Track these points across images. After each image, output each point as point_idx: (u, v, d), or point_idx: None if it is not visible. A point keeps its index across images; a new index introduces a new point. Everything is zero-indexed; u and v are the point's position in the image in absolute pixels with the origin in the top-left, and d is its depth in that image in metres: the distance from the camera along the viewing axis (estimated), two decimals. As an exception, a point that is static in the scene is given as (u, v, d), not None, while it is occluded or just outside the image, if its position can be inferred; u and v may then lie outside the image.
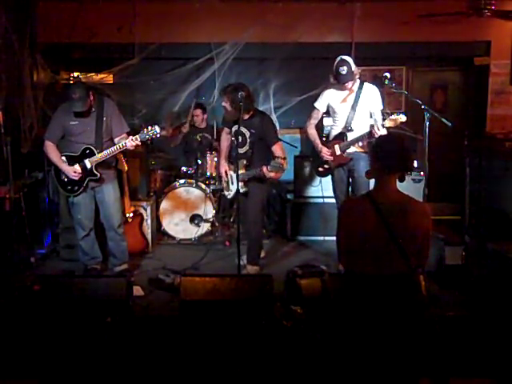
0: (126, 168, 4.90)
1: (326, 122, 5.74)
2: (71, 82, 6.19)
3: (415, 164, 5.49)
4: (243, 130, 4.43)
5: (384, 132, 4.22)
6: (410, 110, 6.66)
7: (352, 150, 4.52)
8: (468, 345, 3.14)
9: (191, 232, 5.67)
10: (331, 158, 4.55)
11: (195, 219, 5.71)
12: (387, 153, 2.66)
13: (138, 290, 4.10)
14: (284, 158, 4.24)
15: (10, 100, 5.34)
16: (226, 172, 4.74)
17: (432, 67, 7.04)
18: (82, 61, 6.36)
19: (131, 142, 4.11)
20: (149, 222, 5.35)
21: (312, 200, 5.74)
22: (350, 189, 4.64)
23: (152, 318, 3.65)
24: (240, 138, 4.44)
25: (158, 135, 4.15)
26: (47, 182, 5.33)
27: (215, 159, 5.83)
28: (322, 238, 5.49)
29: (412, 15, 6.21)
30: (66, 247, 5.00)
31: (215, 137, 6.17)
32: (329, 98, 4.58)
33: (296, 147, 6.20)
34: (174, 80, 6.33)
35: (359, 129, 4.48)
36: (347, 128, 4.49)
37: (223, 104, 4.47)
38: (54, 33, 5.93)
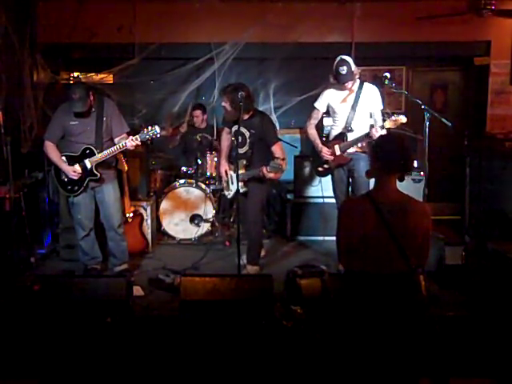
0: (126, 168, 4.90)
1: (326, 122, 5.74)
2: (71, 82, 6.19)
3: (415, 164, 5.49)
4: (243, 130, 4.43)
5: (382, 133, 4.22)
6: (410, 110, 6.67)
7: (352, 150, 4.52)
8: (468, 345, 3.14)
9: (191, 232, 5.67)
10: (331, 157, 4.55)
11: (195, 219, 5.71)
12: (387, 153, 2.66)
13: (137, 290, 4.10)
14: (283, 159, 4.24)
15: (10, 100, 5.33)
16: (226, 172, 4.74)
17: (432, 67, 7.04)
18: (82, 61, 6.35)
19: (131, 142, 4.11)
20: (149, 222, 5.35)
21: (312, 200, 5.74)
22: (350, 189, 4.64)
23: (152, 317, 3.65)
24: (240, 138, 4.44)
25: (158, 135, 4.15)
26: (47, 182, 5.33)
27: (215, 159, 5.83)
28: (321, 238, 5.49)
29: (412, 15, 6.21)
30: (66, 247, 5.00)
31: (215, 137, 6.18)
32: (329, 97, 4.58)
33: (296, 147, 6.20)
34: (174, 80, 6.33)
35: (359, 129, 4.48)
36: (347, 128, 4.50)
37: (223, 104, 4.47)
38: (54, 33, 5.94)
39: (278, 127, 6.33)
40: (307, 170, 5.77)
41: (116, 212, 4.43)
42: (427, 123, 4.14)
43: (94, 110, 4.23)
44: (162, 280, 4.30)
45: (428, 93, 7.04)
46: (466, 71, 6.96)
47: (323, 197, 5.37)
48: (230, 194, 4.77)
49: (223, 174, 4.79)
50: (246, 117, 4.41)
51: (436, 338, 2.61)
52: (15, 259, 4.55)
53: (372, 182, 2.86)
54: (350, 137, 4.49)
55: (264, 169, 4.25)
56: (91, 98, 4.16)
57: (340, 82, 4.39)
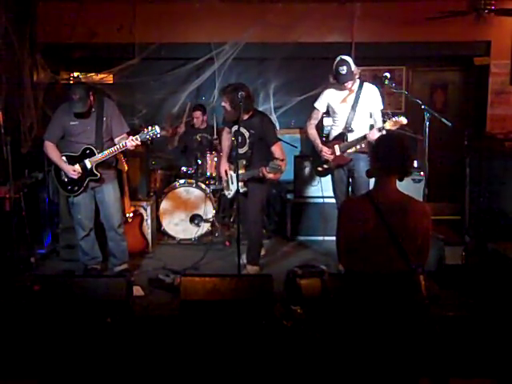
0: (126, 168, 4.90)
1: (326, 122, 5.74)
2: (71, 82, 6.19)
3: (415, 164, 5.49)
4: (243, 130, 4.43)
5: (379, 135, 4.22)
6: (410, 110, 6.68)
7: (352, 150, 4.52)
8: (468, 345, 3.14)
9: (191, 232, 5.67)
10: (332, 157, 4.55)
11: (195, 219, 5.71)
12: (387, 153, 2.66)
13: (138, 290, 4.10)
14: (282, 160, 4.24)
15: (10, 100, 5.33)
16: (226, 171, 4.74)
17: (432, 67, 7.05)
18: (82, 61, 6.36)
19: (131, 142, 4.11)
20: (149, 222, 5.35)
21: (312, 200, 5.74)
22: (350, 189, 4.64)
23: (152, 317, 3.65)
24: (239, 138, 4.44)
25: (158, 135, 4.15)
26: (47, 182, 5.33)
27: (215, 159, 5.83)
28: (321, 238, 5.49)
29: (412, 15, 6.21)
30: (66, 247, 5.00)
31: (215, 136, 6.17)
32: (329, 97, 4.58)
33: (296, 147, 6.20)
34: (174, 80, 6.33)
35: (360, 129, 4.48)
36: (347, 129, 4.49)
37: (223, 104, 4.47)
38: (54, 33, 5.94)
39: (277, 127, 6.34)
40: (307, 170, 5.77)
41: (116, 212, 4.43)
42: (427, 123, 4.14)
43: (94, 110, 4.23)
44: (162, 280, 4.30)
45: (428, 93, 7.05)
46: (466, 71, 6.96)
47: (323, 197, 5.37)
48: (230, 193, 4.78)
49: (223, 174, 4.79)
50: (245, 117, 4.41)
51: (436, 337, 2.61)
52: (15, 259, 4.55)
53: (372, 181, 2.86)
54: (351, 137, 4.49)
55: (263, 169, 4.25)
56: (91, 98, 4.16)
57: (340, 82, 4.39)
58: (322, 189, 5.31)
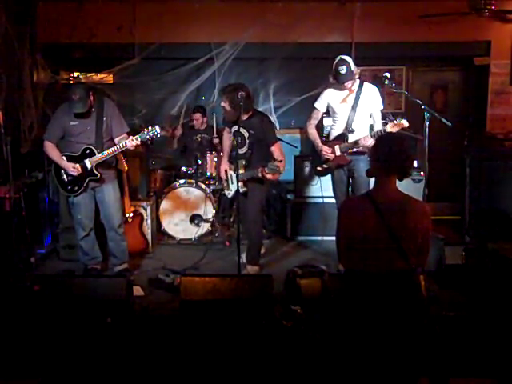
0: (126, 168, 4.90)
1: (326, 122, 5.73)
2: (71, 82, 6.19)
3: (415, 164, 5.49)
4: (242, 130, 4.43)
5: (372, 142, 4.27)
6: (410, 110, 6.68)
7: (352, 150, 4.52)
8: (468, 345, 3.14)
9: (191, 232, 5.67)
10: (332, 155, 4.55)
11: (195, 219, 5.71)
12: (387, 153, 2.66)
13: (138, 290, 4.10)
14: (281, 161, 4.25)
15: (10, 100, 5.33)
16: (226, 171, 4.75)
17: (432, 67, 7.04)
18: (82, 61, 6.35)
19: (131, 142, 4.11)
20: (149, 222, 5.35)
21: (312, 200, 5.74)
22: (350, 189, 4.64)
23: (152, 317, 3.65)
24: (239, 138, 4.44)
25: (158, 135, 4.15)
26: (47, 182, 5.33)
27: (215, 159, 5.83)
28: (321, 237, 5.49)
29: (412, 15, 6.21)
30: (66, 247, 5.01)
31: (215, 133, 6.17)
32: (329, 97, 4.58)
33: (296, 147, 6.20)
34: (174, 80, 6.33)
35: (360, 130, 4.48)
36: (348, 129, 4.49)
37: (222, 104, 4.47)
38: (54, 33, 5.94)
39: (277, 127, 6.35)
40: (307, 169, 5.77)
41: (116, 212, 4.43)
42: (427, 123, 4.14)
43: (93, 110, 4.23)
44: (162, 280, 4.30)
45: (428, 93, 7.04)
46: (466, 71, 6.96)
47: (323, 197, 5.37)
48: (230, 193, 4.78)
49: (222, 174, 4.80)
50: (245, 117, 4.41)
51: (436, 337, 2.61)
52: (15, 259, 4.55)
53: (372, 181, 2.86)
54: (351, 137, 4.48)
55: (262, 169, 4.25)
56: (91, 98, 4.16)
57: (340, 82, 4.39)
58: (322, 189, 5.31)
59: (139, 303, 3.84)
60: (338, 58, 4.37)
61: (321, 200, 5.49)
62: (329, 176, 4.74)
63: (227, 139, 4.79)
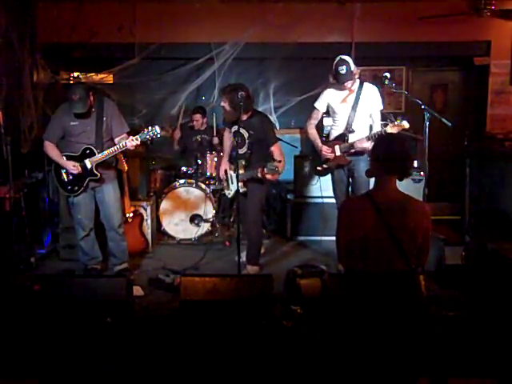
0: (126, 168, 4.90)
1: (326, 122, 5.74)
2: (71, 82, 6.19)
3: (415, 164, 5.49)
4: (242, 131, 4.43)
5: (368, 144, 4.30)
6: (410, 110, 6.68)
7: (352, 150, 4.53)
8: (468, 344, 3.14)
9: (191, 232, 5.67)
10: (332, 155, 4.55)
11: (195, 219, 5.71)
12: (387, 153, 2.66)
13: (138, 290, 4.10)
14: (280, 161, 4.25)
15: (10, 100, 5.33)
16: (226, 171, 4.75)
17: (432, 67, 7.05)
18: (82, 61, 6.36)
19: (131, 142, 4.10)
20: (149, 222, 5.35)
21: (312, 200, 5.74)
22: (350, 189, 4.64)
23: (152, 317, 3.65)
24: (239, 138, 4.44)
25: (158, 135, 4.15)
26: (47, 182, 5.33)
27: (215, 159, 5.83)
28: (321, 237, 5.49)
29: (412, 15, 6.21)
30: (66, 247, 5.00)
31: (215, 134, 6.17)
32: (329, 97, 4.58)
33: (296, 147, 6.20)
34: (174, 80, 6.34)
35: (360, 130, 4.48)
36: (348, 129, 4.49)
37: (222, 104, 4.47)
38: (54, 33, 5.94)
39: (277, 127, 6.35)
40: (307, 169, 5.77)
41: (116, 212, 4.43)
42: (427, 123, 4.14)
43: (94, 110, 4.23)
44: (162, 280, 4.30)
45: (428, 93, 7.05)
46: (466, 71, 6.96)
47: (323, 197, 5.37)
48: (230, 193, 4.79)
49: (222, 174, 4.80)
50: (244, 117, 4.41)
51: (436, 337, 2.61)
52: (15, 259, 4.55)
53: (372, 181, 2.86)
54: (351, 138, 4.48)
55: (261, 170, 4.26)
56: (91, 98, 4.15)
57: (339, 82, 4.39)
58: (321, 189, 5.31)
59: (139, 303, 3.85)
60: (337, 58, 4.37)
61: (321, 200, 5.49)
62: (329, 176, 4.74)
63: (228, 139, 4.80)
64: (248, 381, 2.60)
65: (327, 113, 4.74)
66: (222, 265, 4.92)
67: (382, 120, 4.50)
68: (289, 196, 5.92)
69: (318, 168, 4.71)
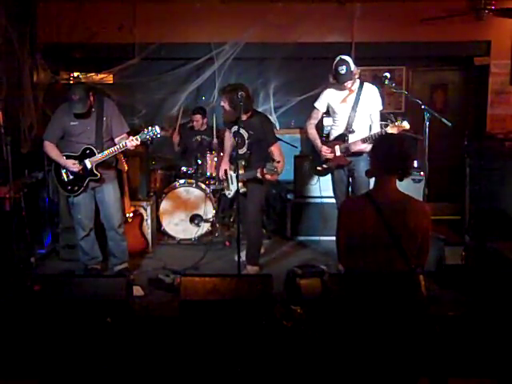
0: (126, 168, 4.90)
1: (326, 122, 5.73)
2: (71, 82, 6.19)
3: (415, 164, 5.49)
4: (242, 131, 4.43)
5: (364, 146, 4.32)
6: (410, 110, 6.68)
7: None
8: (468, 345, 3.14)
9: (191, 232, 5.67)
10: (332, 155, 4.55)
11: (195, 219, 5.71)
12: (387, 153, 2.66)
13: (138, 290, 4.10)
14: (279, 162, 4.26)
15: (10, 100, 5.33)
16: (226, 171, 4.75)
17: (432, 67, 7.04)
18: (82, 61, 6.36)
19: (131, 142, 4.10)
20: (149, 222, 5.35)
21: (312, 200, 5.74)
22: (350, 189, 4.64)
23: (152, 317, 3.65)
24: (239, 139, 4.44)
25: (158, 135, 4.15)
26: (47, 182, 5.33)
27: (215, 159, 5.83)
28: (321, 237, 5.49)
29: (412, 15, 6.21)
30: (66, 247, 5.01)
31: (214, 138, 6.17)
32: (329, 97, 4.58)
33: (296, 147, 6.20)
34: (174, 80, 6.34)
35: (360, 130, 4.48)
36: (348, 129, 4.49)
37: (221, 104, 4.47)
38: (54, 33, 5.94)
39: (277, 127, 6.35)
40: (307, 169, 5.77)
41: (116, 212, 4.43)
42: (427, 123, 4.14)
43: (93, 110, 4.23)
44: (162, 280, 4.30)
45: (428, 93, 7.04)
46: (465, 71, 6.96)
47: (323, 197, 5.37)
48: (230, 193, 4.79)
49: (222, 174, 4.80)
50: (244, 117, 4.40)
51: (435, 337, 2.61)
52: (15, 259, 4.55)
53: (372, 181, 2.86)
54: (351, 138, 4.48)
55: (261, 170, 4.26)
56: (91, 98, 4.16)
57: (339, 82, 4.39)
58: (321, 189, 5.31)
59: (139, 303, 3.85)
60: (337, 58, 4.37)
61: (320, 200, 5.49)
62: (328, 176, 4.74)
63: (228, 140, 4.80)
64: (248, 381, 2.60)
65: (327, 113, 4.74)
66: (222, 265, 4.92)
67: (382, 120, 4.50)
68: (289, 196, 5.92)
69: (319, 168, 4.71)
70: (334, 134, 4.63)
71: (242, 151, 4.51)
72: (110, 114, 4.27)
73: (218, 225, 5.73)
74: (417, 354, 2.47)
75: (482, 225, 5.12)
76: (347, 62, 4.32)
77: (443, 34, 6.23)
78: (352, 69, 4.33)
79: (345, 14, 6.28)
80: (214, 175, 5.85)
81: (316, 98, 4.70)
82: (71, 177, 4.28)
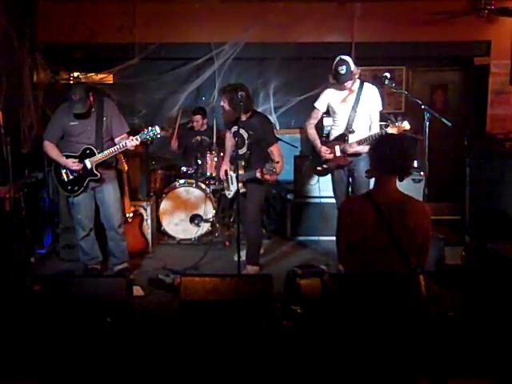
0: (126, 168, 4.91)
1: (326, 122, 5.73)
2: (71, 82, 6.19)
3: (415, 164, 5.49)
4: (241, 131, 4.43)
5: (358, 149, 4.35)
6: (410, 110, 6.68)
7: (352, 150, 4.52)
8: (468, 344, 3.14)
9: (191, 232, 5.67)
10: (331, 156, 4.55)
11: (195, 219, 5.71)
12: (387, 153, 2.66)
13: (138, 290, 4.10)
14: (278, 162, 4.26)
15: (10, 100, 5.33)
16: (226, 172, 4.75)
17: (432, 67, 7.04)
18: (82, 61, 6.35)
19: (131, 142, 4.11)
20: (149, 222, 5.35)
21: (312, 200, 5.74)
22: (350, 189, 4.64)
23: (152, 318, 3.65)
24: (238, 139, 4.44)
25: (158, 135, 4.15)
26: (47, 182, 5.33)
27: (215, 159, 5.83)
28: (321, 237, 5.49)
29: (412, 15, 6.21)
30: (66, 247, 5.01)
31: (214, 138, 6.16)
32: (329, 97, 4.58)
33: (296, 147, 6.20)
34: (174, 80, 6.33)
35: (361, 130, 4.48)
36: (349, 129, 4.49)
37: (221, 104, 4.48)
38: (54, 33, 5.93)
39: (277, 127, 6.35)
40: (307, 169, 5.77)
41: (116, 212, 4.43)
42: (427, 123, 4.14)
43: (93, 110, 4.23)
44: (162, 280, 4.30)
45: (428, 93, 7.04)
46: (465, 71, 6.95)
47: (323, 197, 5.37)
48: (230, 193, 4.79)
49: (222, 174, 4.80)
50: (244, 118, 4.41)
51: (436, 337, 2.61)
52: (15, 259, 4.55)
53: (372, 181, 2.86)
54: (351, 138, 4.48)
55: (260, 170, 4.26)
56: (91, 98, 4.16)
57: (339, 82, 4.39)
58: (321, 189, 5.31)
59: (139, 303, 3.85)
60: (337, 58, 4.38)
61: (320, 200, 5.49)
62: (328, 176, 4.74)
63: (229, 140, 4.80)
64: (248, 381, 2.60)
65: (327, 113, 4.74)
66: (222, 265, 4.92)
67: (382, 121, 4.50)
68: (289, 196, 5.92)
69: (318, 168, 4.71)
70: (334, 134, 4.63)
71: (241, 151, 4.51)
72: (109, 114, 4.28)
73: (217, 225, 5.73)
74: (417, 353, 2.47)
75: (481, 225, 5.12)
76: (347, 62, 4.32)
77: (443, 34, 6.23)
78: (352, 69, 4.33)
79: (345, 14, 6.28)
80: (214, 175, 5.85)
81: (316, 98, 4.71)
82: (71, 177, 4.28)
